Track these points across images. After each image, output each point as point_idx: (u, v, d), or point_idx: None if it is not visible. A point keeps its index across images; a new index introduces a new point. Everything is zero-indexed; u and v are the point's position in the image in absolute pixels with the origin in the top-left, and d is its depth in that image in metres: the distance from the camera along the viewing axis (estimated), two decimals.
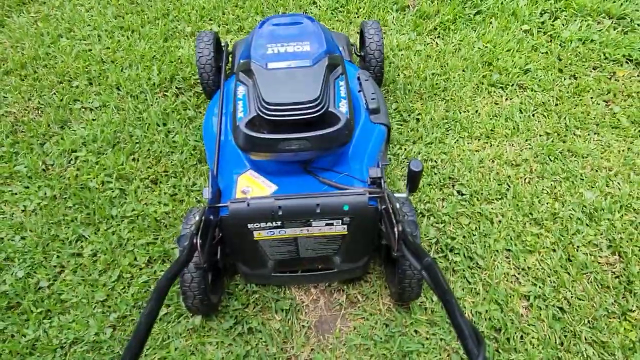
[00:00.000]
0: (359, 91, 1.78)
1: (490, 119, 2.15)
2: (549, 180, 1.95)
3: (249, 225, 1.40)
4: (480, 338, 0.82)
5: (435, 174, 1.97)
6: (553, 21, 2.52)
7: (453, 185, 1.94)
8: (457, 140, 2.08)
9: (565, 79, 2.30)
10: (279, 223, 1.40)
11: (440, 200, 1.90)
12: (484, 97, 2.24)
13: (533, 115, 2.17)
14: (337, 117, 1.43)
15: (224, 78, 1.86)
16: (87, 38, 2.52)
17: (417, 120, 2.16)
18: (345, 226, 1.44)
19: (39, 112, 2.24)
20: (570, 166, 1.98)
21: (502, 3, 2.59)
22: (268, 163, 1.59)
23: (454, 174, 1.96)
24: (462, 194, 1.91)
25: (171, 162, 2.01)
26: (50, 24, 2.61)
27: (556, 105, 2.20)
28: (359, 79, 1.81)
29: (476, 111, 2.19)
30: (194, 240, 1.23)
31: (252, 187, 1.53)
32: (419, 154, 2.03)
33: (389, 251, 1.53)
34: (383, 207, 1.39)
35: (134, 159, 2.04)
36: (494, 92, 2.26)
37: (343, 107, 1.48)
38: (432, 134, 2.09)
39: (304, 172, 1.57)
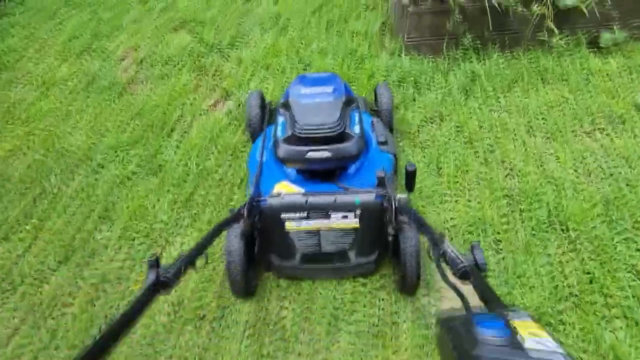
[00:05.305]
0: (372, 131, 2.24)
1: None
2: None
3: (282, 215, 1.83)
4: (443, 234, 1.27)
5: None
6: None
7: None
8: None
9: None
10: (305, 214, 1.82)
11: None
12: None
13: None
14: (351, 135, 1.94)
15: (266, 124, 2.46)
16: None
17: None
18: (357, 219, 1.81)
19: None
20: None
21: None
22: (298, 174, 2.06)
23: None
24: None
25: None
26: None
27: None
28: (372, 123, 2.29)
29: None
30: (242, 211, 1.74)
31: (285, 190, 1.98)
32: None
33: (395, 248, 1.84)
34: (386, 203, 1.75)
35: None
36: None
37: (356, 129, 1.94)
38: None
39: (326, 182, 2.02)
